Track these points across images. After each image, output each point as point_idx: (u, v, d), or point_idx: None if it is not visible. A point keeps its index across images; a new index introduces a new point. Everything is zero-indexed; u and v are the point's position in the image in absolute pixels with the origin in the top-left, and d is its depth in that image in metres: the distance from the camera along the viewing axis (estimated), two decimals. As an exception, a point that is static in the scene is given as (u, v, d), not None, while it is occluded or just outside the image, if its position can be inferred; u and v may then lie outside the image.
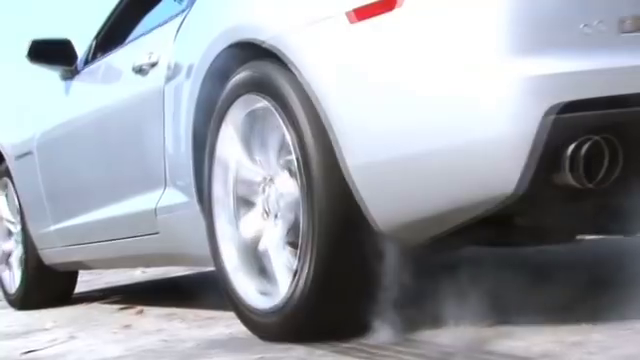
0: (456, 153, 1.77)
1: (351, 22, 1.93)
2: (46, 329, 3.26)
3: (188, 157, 2.59)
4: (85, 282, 5.08)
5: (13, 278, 4.21)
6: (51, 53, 3.68)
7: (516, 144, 1.69)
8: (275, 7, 2.20)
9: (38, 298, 4.10)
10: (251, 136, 2.34)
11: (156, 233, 2.90)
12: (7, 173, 4.16)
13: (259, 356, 2.08)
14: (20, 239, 4.14)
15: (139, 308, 3.47)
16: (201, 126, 2.50)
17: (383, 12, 1.85)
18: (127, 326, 3.02)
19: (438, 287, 2.09)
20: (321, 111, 2.00)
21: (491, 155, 1.72)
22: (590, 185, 1.70)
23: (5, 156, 4.16)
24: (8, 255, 4.29)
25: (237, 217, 2.38)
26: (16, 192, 4.09)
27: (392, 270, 1.98)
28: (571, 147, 1.68)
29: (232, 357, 2.16)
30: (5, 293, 4.30)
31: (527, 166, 1.68)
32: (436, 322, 2.06)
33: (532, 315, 2.06)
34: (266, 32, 2.16)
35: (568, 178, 1.70)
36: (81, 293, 4.47)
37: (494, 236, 2.06)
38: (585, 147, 1.68)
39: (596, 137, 1.68)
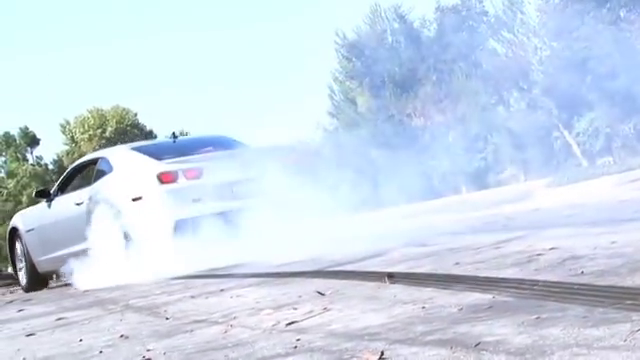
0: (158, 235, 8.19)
1: (132, 201, 8.32)
2: (295, 303, 3.33)
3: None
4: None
5: (24, 279, 10.50)
6: (43, 193, 10.15)
7: (170, 228, 8.08)
8: (114, 191, 8.59)
9: (35, 286, 10.33)
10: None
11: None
12: (19, 237, 10.45)
13: (535, 316, 2.11)
14: (25, 263, 10.37)
15: (383, 278, 3.42)
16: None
17: (139, 199, 8.26)
18: (374, 297, 3.04)
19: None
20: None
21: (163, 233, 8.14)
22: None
23: (19, 230, 10.44)
24: (20, 269, 10.56)
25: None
26: (24, 245, 10.33)
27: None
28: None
29: (506, 320, 2.15)
30: (21, 285, 10.62)
31: (174, 230, 8.08)
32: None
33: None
34: (112, 199, 8.56)
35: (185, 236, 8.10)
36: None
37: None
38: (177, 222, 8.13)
39: (185, 217, 8.11)
